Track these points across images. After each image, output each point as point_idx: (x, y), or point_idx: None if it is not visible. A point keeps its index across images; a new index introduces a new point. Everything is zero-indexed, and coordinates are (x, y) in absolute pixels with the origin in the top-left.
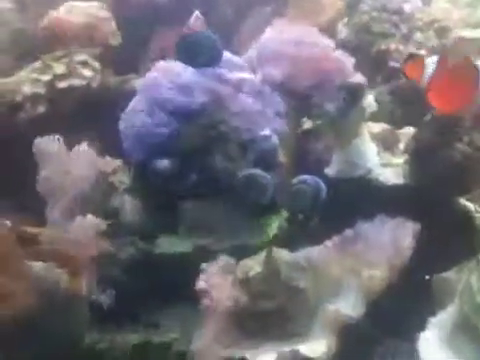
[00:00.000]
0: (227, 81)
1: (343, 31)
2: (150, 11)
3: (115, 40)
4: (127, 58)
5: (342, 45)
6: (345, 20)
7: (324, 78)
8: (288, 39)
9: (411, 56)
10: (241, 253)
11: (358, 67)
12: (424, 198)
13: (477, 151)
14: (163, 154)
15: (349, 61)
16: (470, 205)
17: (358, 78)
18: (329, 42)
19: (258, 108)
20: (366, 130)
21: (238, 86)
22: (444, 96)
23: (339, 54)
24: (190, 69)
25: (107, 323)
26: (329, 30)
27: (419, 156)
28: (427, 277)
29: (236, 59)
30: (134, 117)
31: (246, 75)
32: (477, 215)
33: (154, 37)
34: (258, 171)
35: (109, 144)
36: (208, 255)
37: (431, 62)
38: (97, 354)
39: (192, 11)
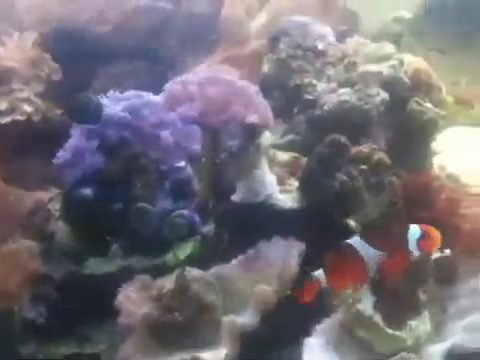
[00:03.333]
0: (147, 117)
1: (265, 67)
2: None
3: (57, 76)
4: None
5: (265, 80)
6: (267, 56)
7: (230, 117)
8: (204, 80)
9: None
10: (160, 272)
11: (278, 100)
12: (314, 220)
13: (353, 180)
14: (87, 184)
15: (253, 102)
16: (352, 225)
17: (254, 118)
18: (240, 83)
19: (175, 142)
20: (265, 162)
21: (157, 122)
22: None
23: (246, 95)
24: (115, 106)
25: (42, 337)
26: (256, 66)
27: (306, 183)
28: (288, 292)
29: (156, 98)
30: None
31: (164, 113)
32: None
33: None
34: (146, 205)
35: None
36: (132, 274)
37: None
38: None
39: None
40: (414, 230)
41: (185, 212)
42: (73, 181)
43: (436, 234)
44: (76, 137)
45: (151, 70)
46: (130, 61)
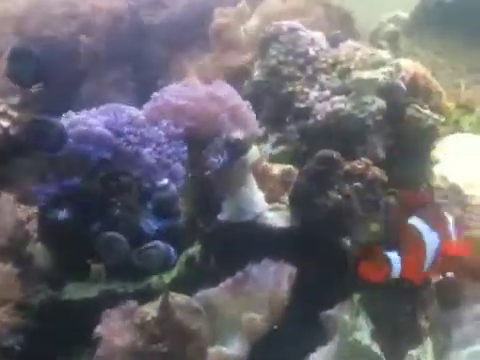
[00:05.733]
0: (129, 134)
1: (255, 73)
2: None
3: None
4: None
5: (255, 87)
6: (258, 62)
7: (215, 133)
8: (189, 93)
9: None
10: (144, 296)
11: (269, 108)
12: (306, 240)
13: (346, 198)
14: (63, 204)
15: (240, 116)
16: (347, 245)
17: (238, 134)
18: (227, 96)
19: (158, 159)
20: (253, 179)
21: (139, 139)
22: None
23: (233, 109)
24: (94, 122)
25: None
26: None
27: (298, 202)
28: (275, 327)
29: (138, 112)
30: None
31: (147, 128)
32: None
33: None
34: (116, 234)
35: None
36: (113, 299)
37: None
38: None
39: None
40: None
41: (160, 243)
42: (47, 201)
43: None
44: None
45: (138, 77)
46: (115, 68)
